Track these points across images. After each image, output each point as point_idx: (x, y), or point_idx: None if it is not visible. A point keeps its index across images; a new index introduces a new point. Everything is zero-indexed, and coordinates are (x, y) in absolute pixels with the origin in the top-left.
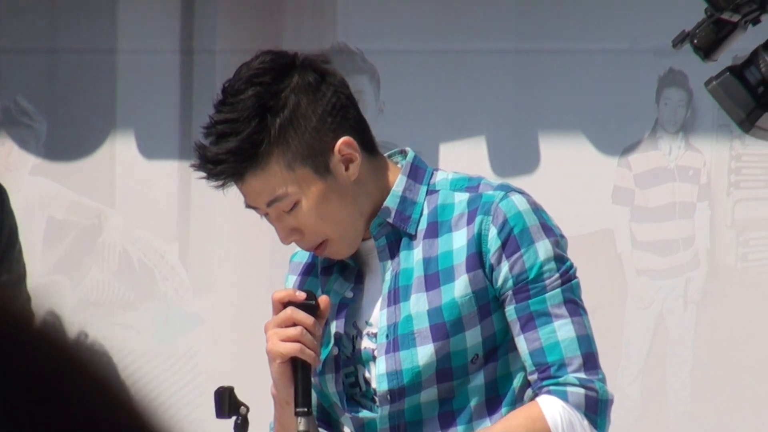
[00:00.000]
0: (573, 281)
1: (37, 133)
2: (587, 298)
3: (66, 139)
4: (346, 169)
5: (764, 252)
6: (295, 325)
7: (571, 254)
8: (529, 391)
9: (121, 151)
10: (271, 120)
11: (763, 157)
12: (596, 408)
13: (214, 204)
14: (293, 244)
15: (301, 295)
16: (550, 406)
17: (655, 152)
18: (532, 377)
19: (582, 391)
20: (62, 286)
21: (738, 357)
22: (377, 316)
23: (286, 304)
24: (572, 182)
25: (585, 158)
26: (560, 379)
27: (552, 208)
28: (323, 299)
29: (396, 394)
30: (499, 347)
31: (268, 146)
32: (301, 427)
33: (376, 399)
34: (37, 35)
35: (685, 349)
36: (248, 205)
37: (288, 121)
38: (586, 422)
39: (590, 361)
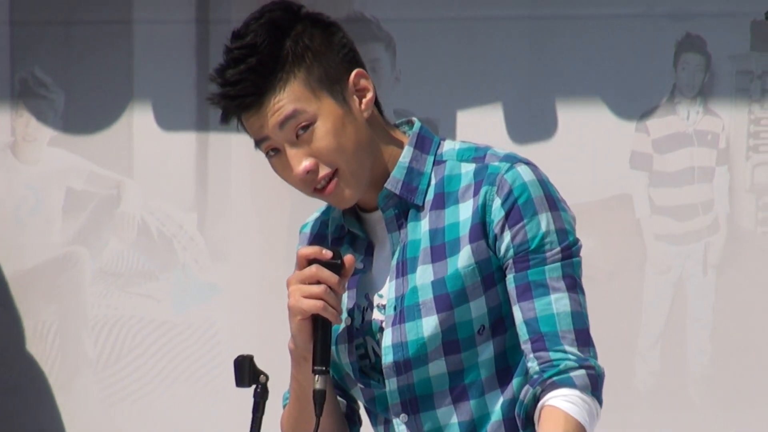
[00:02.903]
0: (574, 258)
1: (55, 105)
2: (606, 264)
3: (84, 110)
4: (360, 103)
5: None
6: (319, 282)
7: (590, 220)
8: (528, 388)
9: (138, 122)
10: (289, 44)
11: None
12: (597, 385)
13: (232, 174)
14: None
15: (328, 254)
16: (569, 404)
17: (674, 117)
18: (526, 347)
19: (583, 371)
20: (81, 257)
21: (758, 321)
22: (387, 288)
23: (311, 261)
24: (590, 148)
25: (603, 124)
26: (561, 366)
27: (570, 174)
28: (348, 258)
29: (402, 366)
30: (506, 318)
31: (289, 65)
32: (318, 386)
33: (384, 371)
34: (53, 7)
35: (704, 314)
36: (258, 141)
37: (306, 47)
38: (595, 401)
39: (583, 337)
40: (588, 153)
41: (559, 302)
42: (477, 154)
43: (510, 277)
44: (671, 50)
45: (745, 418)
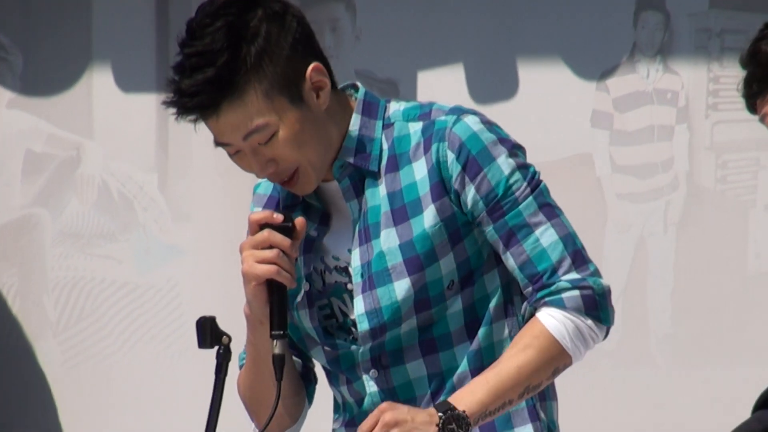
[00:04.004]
0: (541, 185)
1: (13, 67)
2: None
3: (43, 72)
4: (318, 97)
5: (742, 173)
6: (271, 247)
7: (551, 179)
8: (527, 307)
9: (98, 84)
10: (246, 48)
11: (740, 79)
12: (595, 304)
13: (193, 134)
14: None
15: (279, 218)
16: (550, 318)
17: (633, 76)
18: (527, 290)
19: (576, 292)
20: (42, 219)
21: (718, 279)
22: (346, 253)
23: (263, 226)
24: (551, 107)
25: (563, 83)
26: (552, 287)
27: (531, 134)
28: (299, 221)
29: (378, 331)
30: (474, 271)
31: (245, 74)
32: (277, 350)
33: (355, 331)
34: None
35: (665, 272)
36: (219, 143)
37: (263, 50)
38: (590, 321)
39: (579, 258)
40: (549, 112)
41: (544, 235)
42: (422, 111)
43: (490, 230)
44: (631, 9)
45: (705, 374)
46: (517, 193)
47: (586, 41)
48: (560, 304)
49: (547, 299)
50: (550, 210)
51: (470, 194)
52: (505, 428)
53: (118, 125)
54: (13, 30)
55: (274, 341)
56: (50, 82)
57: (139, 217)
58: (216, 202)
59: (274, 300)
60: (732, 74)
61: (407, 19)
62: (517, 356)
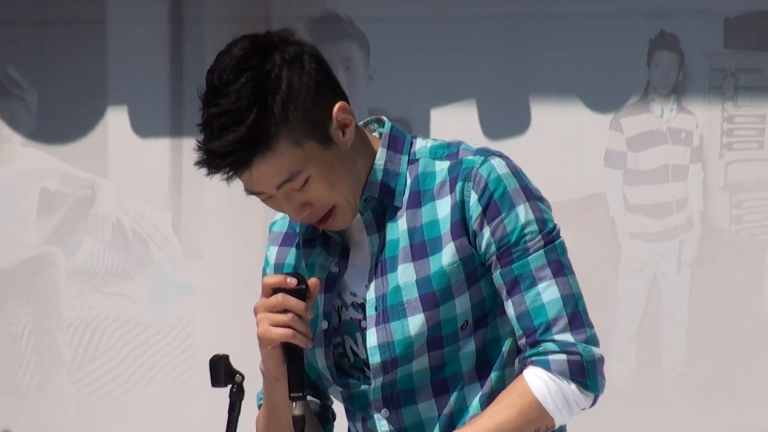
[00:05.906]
0: (556, 241)
1: (28, 105)
2: (580, 262)
3: (58, 111)
4: (344, 134)
5: (758, 213)
6: (286, 311)
7: (564, 218)
8: (517, 363)
9: (113, 125)
10: (271, 100)
11: (755, 119)
12: (582, 371)
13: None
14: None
15: (293, 282)
16: (535, 379)
17: (647, 115)
18: (521, 342)
19: (563, 357)
20: (56, 257)
21: (732, 319)
22: (363, 288)
23: (276, 290)
24: (564, 146)
25: (576, 121)
26: (540, 348)
27: (544, 172)
28: (313, 282)
29: (389, 366)
30: (488, 312)
31: (275, 128)
32: (297, 412)
33: (368, 371)
34: (26, 6)
35: (679, 312)
36: (251, 192)
37: (287, 99)
38: (573, 386)
39: (576, 320)
40: (562, 151)
41: (546, 291)
42: (450, 151)
43: (497, 274)
44: (645, 48)
45: (719, 415)
46: (529, 244)
47: (600, 79)
48: (546, 366)
49: (534, 359)
50: (558, 267)
51: (485, 236)
52: None
53: (132, 164)
54: (29, 69)
55: (294, 403)
56: (66, 122)
57: (153, 256)
58: (229, 239)
59: (290, 362)
60: (746, 113)
61: (420, 57)
62: (498, 414)
